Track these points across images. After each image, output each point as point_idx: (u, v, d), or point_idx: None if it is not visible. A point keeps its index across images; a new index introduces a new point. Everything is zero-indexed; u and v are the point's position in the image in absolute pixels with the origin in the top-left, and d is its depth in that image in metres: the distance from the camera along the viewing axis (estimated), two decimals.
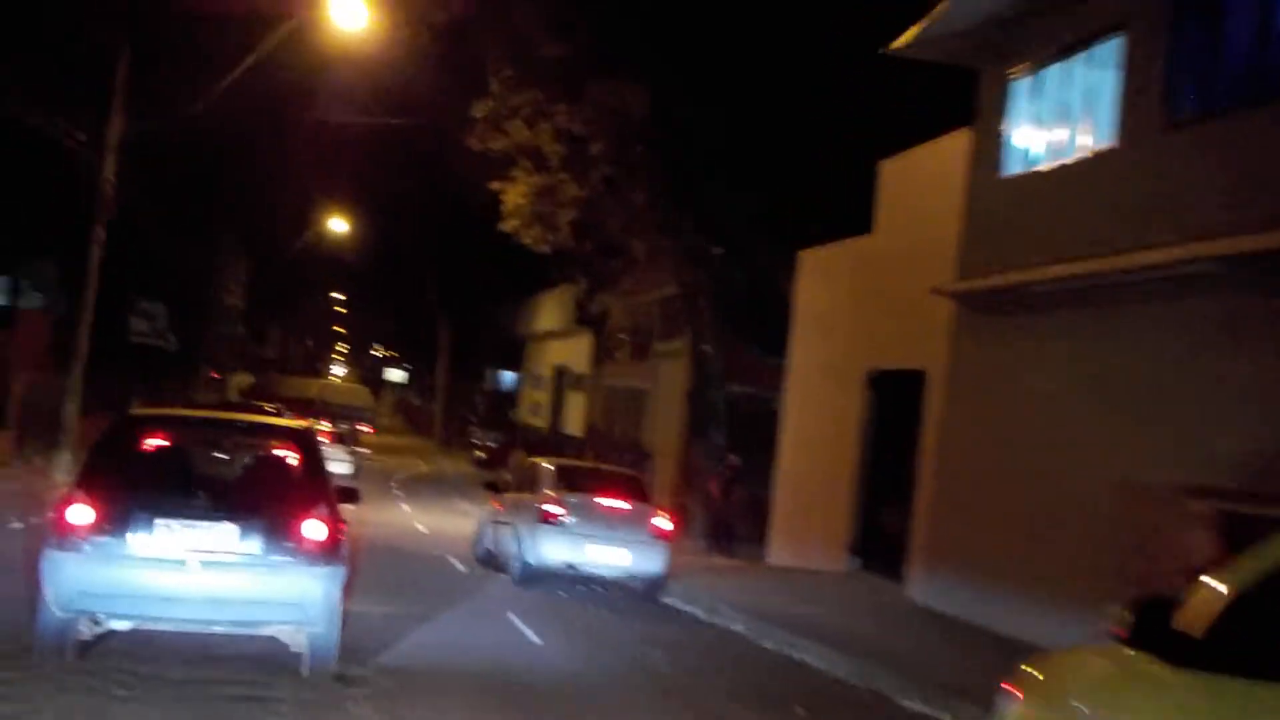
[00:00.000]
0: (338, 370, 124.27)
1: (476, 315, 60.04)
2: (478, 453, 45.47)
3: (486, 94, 23.90)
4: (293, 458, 8.02)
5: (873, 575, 16.55)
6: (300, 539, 7.38)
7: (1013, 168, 14.03)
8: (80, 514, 7.06)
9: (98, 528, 7.06)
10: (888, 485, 16.60)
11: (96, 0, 22.42)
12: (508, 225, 24.93)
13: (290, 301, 58.51)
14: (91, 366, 22.56)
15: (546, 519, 14.95)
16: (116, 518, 7.12)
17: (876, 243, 17.50)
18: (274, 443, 8.36)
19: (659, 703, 9.20)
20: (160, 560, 7.15)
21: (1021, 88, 13.97)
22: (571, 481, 15.79)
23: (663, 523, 15.31)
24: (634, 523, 15.17)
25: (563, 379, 48.30)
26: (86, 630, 7.47)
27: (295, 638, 7.71)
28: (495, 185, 24.94)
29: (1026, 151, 13.94)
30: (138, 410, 10.80)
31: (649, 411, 35.99)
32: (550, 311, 49.21)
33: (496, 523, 16.82)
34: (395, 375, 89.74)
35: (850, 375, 17.54)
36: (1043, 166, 13.55)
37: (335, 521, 7.68)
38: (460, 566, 16.63)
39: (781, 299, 21.86)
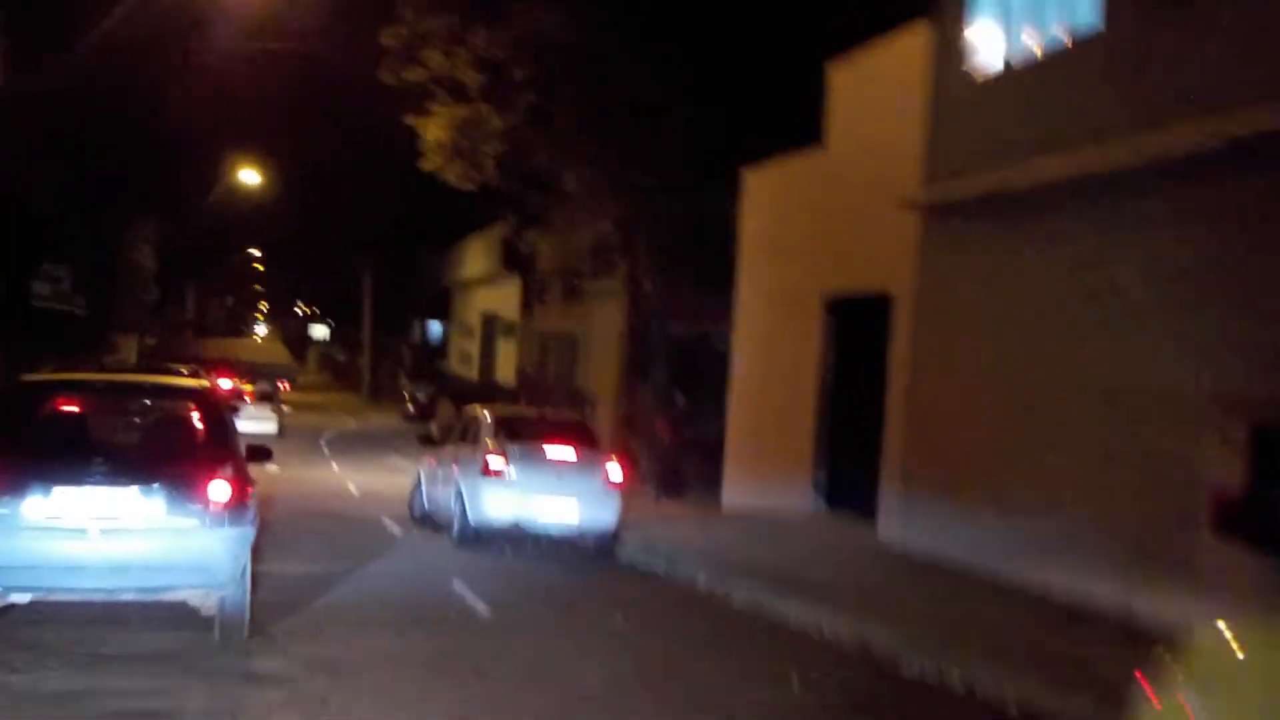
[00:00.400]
0: (260, 329, 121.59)
1: (400, 265, 58.12)
2: (408, 405, 43.69)
3: (396, 20, 22.08)
4: (194, 418, 7.76)
5: (840, 516, 15.37)
6: (205, 500, 7.08)
7: (982, 61, 12.71)
8: None
9: None
10: (852, 419, 15.38)
11: None
12: (428, 163, 23.17)
13: (206, 260, 55.90)
14: None
15: (488, 473, 13.53)
16: (12, 486, 6.80)
17: (829, 156, 16.12)
18: (174, 403, 8.13)
19: (631, 679, 7.87)
20: (59, 529, 6.84)
21: None
22: (514, 431, 14.35)
23: (615, 471, 13.98)
24: (584, 473, 13.81)
25: (492, 327, 46.63)
26: None
27: (205, 602, 7.43)
28: (412, 120, 23.16)
29: (997, 42, 12.61)
30: (31, 376, 10.14)
31: (583, 356, 34.58)
32: (477, 257, 47.40)
33: (433, 479, 15.39)
34: (319, 332, 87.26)
35: (806, 302, 16.23)
36: (1017, 57, 12.24)
37: (241, 481, 7.40)
38: (395, 528, 15.17)
39: (722, 227, 20.52)
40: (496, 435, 14.12)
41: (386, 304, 56.94)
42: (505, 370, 44.05)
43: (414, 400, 43.67)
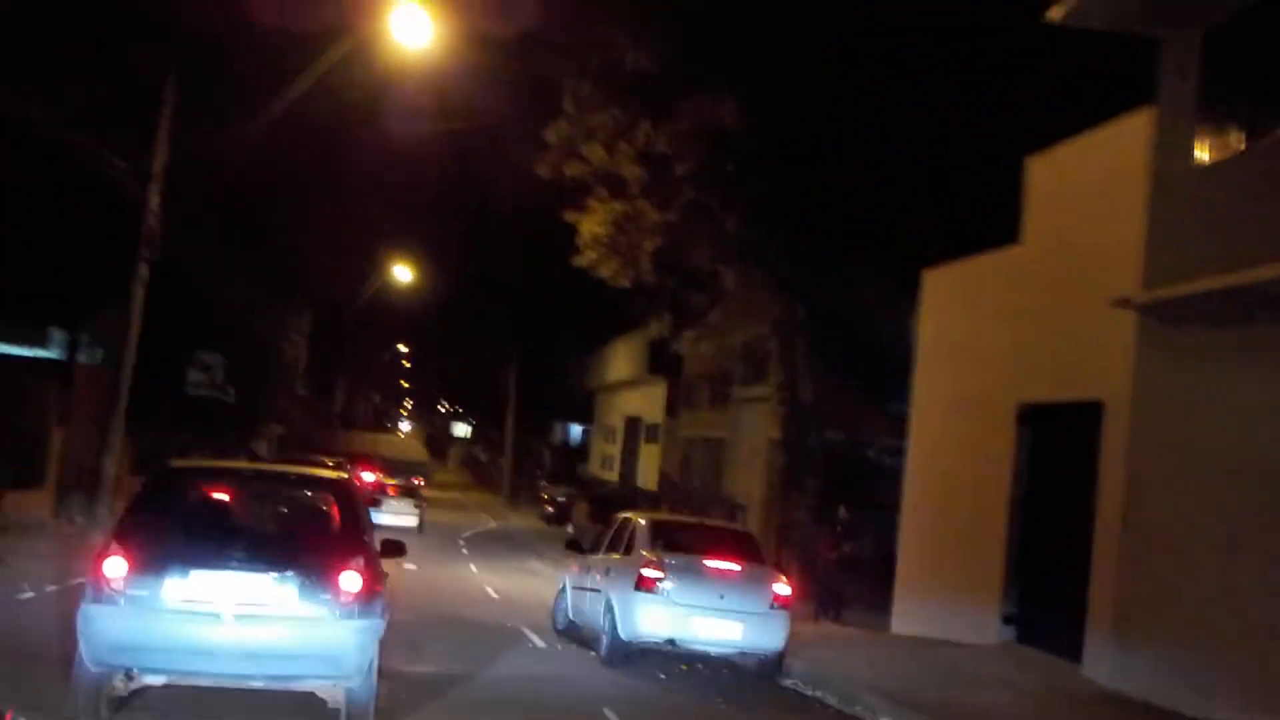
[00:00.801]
0: (405, 426, 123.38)
1: (545, 367, 57.93)
2: (547, 507, 42.82)
3: (559, 116, 21.63)
4: (330, 508, 7.71)
5: (1034, 649, 13.57)
6: (336, 590, 7.03)
7: (1211, 149, 11.26)
8: (115, 566, 6.79)
9: (132, 579, 6.79)
10: (1049, 541, 13.68)
11: (141, 18, 20.45)
12: (583, 259, 22.53)
13: (355, 354, 56.55)
14: (147, 420, 20.39)
15: (643, 585, 12.24)
16: (151, 569, 6.85)
17: (1025, 254, 14.67)
18: (312, 493, 8.06)
19: None
20: (194, 612, 6.85)
21: (1218, 51, 11.25)
22: (672, 540, 13.07)
23: (782, 587, 12.57)
24: (748, 588, 12.43)
25: (635, 430, 45.67)
26: (121, 686, 7.11)
27: (333, 693, 7.33)
28: (570, 216, 22.60)
29: (1227, 128, 11.17)
30: (176, 462, 9.86)
31: (729, 462, 33.24)
32: (622, 360, 46.72)
33: (580, 589, 14.18)
34: (461, 430, 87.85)
35: (996, 411, 14.68)
36: (1251, 143, 10.77)
37: (373, 574, 7.37)
38: (537, 640, 13.94)
39: (890, 331, 19.17)
40: (652, 544, 12.88)
41: (529, 405, 56.61)
42: (647, 474, 42.91)
43: (552, 502, 42.81)
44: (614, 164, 21.45)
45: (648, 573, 12.24)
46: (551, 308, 52.56)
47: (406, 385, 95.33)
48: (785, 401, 22.27)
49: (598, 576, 13.39)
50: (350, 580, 7.05)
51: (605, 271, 22.19)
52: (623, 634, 12.27)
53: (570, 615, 14.38)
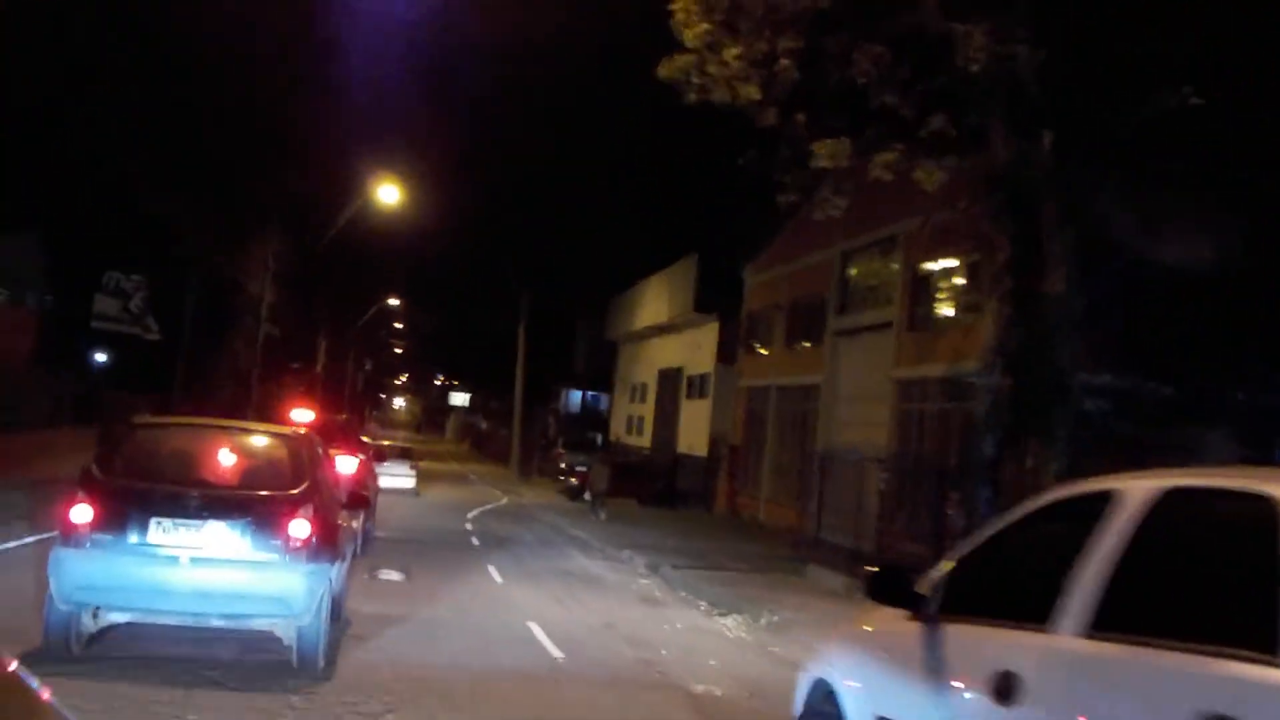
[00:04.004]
0: (399, 402, 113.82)
1: (551, 327, 48.78)
2: (570, 479, 33.28)
3: None
4: (284, 461, 7.71)
5: None
6: (285, 537, 7.16)
7: None
8: (82, 513, 7.03)
9: (98, 525, 7.02)
10: None
11: None
12: (677, 67, 12.73)
13: (339, 305, 46.59)
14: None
15: None
16: (115, 516, 7.07)
17: None
18: (267, 447, 8.00)
19: None
20: (154, 556, 7.02)
21: None
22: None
23: None
24: None
25: (674, 384, 36.14)
26: (90, 623, 7.30)
27: (287, 631, 7.34)
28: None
29: None
30: (142, 418, 10.14)
31: (824, 415, 23.77)
32: (656, 301, 37.12)
33: (899, 680, 4.70)
34: (459, 398, 78.54)
35: None
36: None
37: (324, 522, 7.45)
38: None
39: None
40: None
41: (532, 371, 46.98)
42: (692, 436, 33.43)
43: (573, 472, 33.34)
44: None
45: None
46: (565, 249, 43.73)
47: (400, 352, 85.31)
48: (1010, 300, 12.66)
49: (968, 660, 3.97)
50: (299, 528, 7.19)
51: (716, 77, 12.49)
52: None
53: None
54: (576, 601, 12.11)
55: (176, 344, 27.13)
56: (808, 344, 25.33)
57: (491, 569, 14.25)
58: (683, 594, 13.64)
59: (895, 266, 21.30)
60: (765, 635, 10.86)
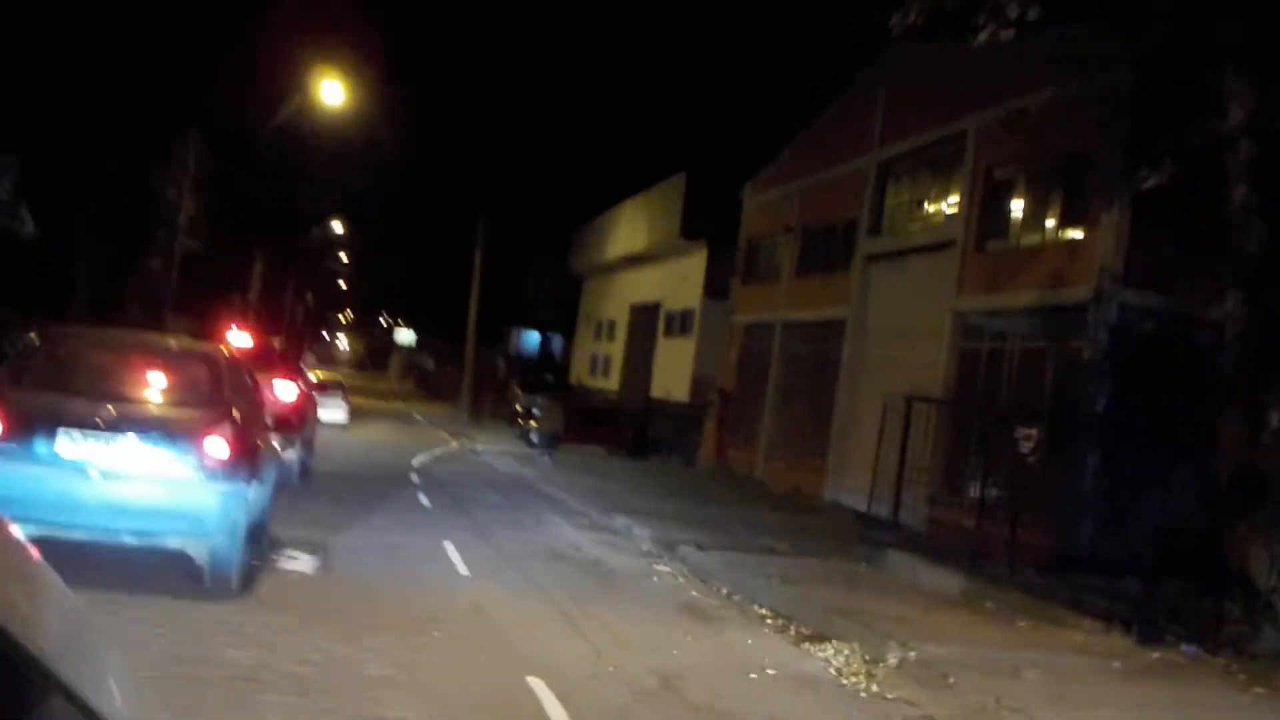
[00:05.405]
0: (342, 340, 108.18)
1: (502, 264, 44.00)
2: (530, 422, 28.56)
3: None
4: (201, 376, 7.34)
5: None
6: (200, 453, 6.79)
7: None
8: None
9: (6, 436, 6.60)
10: None
11: None
12: None
13: (274, 226, 41.18)
14: None
15: None
16: (23, 427, 6.65)
17: None
18: (184, 361, 7.58)
19: None
20: (63, 468, 6.61)
21: None
22: None
23: None
24: None
25: (650, 321, 31.54)
26: None
27: (199, 550, 6.93)
28: None
29: None
30: (55, 327, 9.86)
31: (852, 360, 19.35)
32: (631, 229, 32.41)
33: None
34: (405, 336, 73.41)
35: None
36: None
37: (242, 441, 7.01)
38: None
39: None
40: None
41: (484, 310, 42.11)
42: (669, 380, 28.97)
43: (528, 414, 28.66)
44: None
45: None
46: (527, 172, 38.96)
47: (345, 287, 79.64)
48: (1251, 183, 8.33)
49: None
50: (215, 445, 6.83)
51: None
52: None
53: None
54: (591, 620, 7.57)
55: (68, 252, 22.03)
56: (828, 273, 20.86)
57: (452, 552, 9.66)
58: (732, 595, 9.22)
59: (955, 176, 16.86)
60: (917, 691, 6.43)
